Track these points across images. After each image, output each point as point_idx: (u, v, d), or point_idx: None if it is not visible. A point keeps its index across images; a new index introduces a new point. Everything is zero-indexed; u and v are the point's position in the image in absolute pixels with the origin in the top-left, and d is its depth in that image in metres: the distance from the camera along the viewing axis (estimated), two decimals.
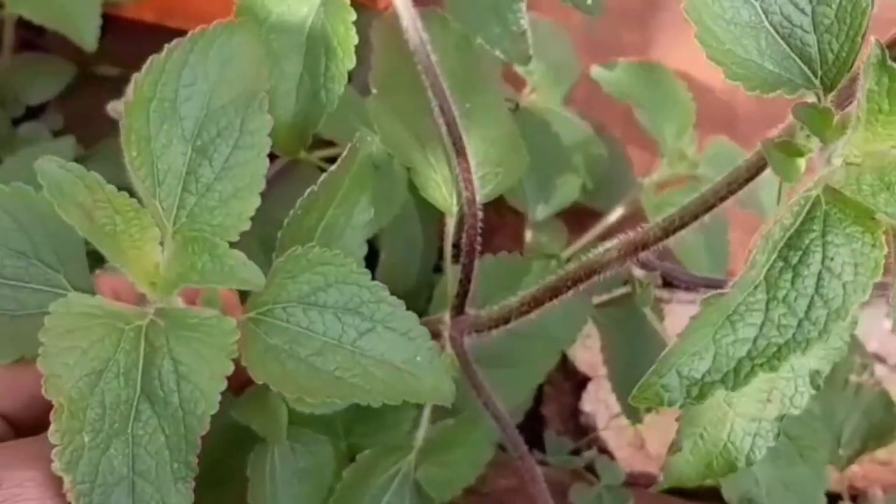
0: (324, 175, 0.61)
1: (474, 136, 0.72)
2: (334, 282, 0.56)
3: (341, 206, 0.62)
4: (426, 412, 0.75)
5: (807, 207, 0.43)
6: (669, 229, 0.62)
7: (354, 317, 0.56)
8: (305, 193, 0.61)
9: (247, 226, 0.55)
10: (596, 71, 0.91)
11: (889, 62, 0.41)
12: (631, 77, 0.90)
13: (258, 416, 0.64)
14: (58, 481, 0.49)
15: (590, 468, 1.00)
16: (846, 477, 0.91)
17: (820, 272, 0.42)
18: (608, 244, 0.65)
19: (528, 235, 0.93)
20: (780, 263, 0.43)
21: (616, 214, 0.95)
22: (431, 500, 0.74)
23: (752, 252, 0.43)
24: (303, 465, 0.67)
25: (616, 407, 0.95)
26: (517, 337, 0.83)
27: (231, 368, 0.52)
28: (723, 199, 0.59)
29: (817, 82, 0.46)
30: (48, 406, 0.53)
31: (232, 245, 0.54)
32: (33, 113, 1.07)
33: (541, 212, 0.92)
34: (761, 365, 0.42)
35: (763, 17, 0.47)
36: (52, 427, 0.49)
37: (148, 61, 0.56)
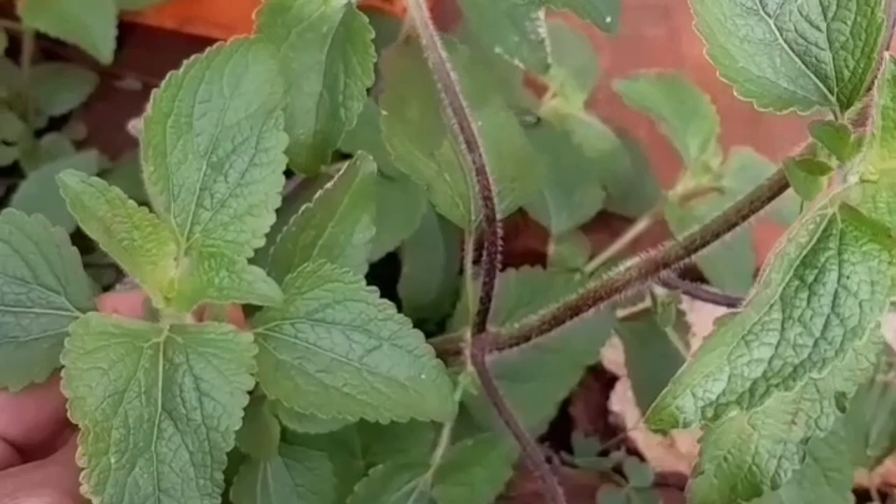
0: (320, 192, 0.61)
1: (489, 153, 0.71)
2: (343, 299, 0.56)
3: (341, 224, 0.62)
4: (446, 431, 0.75)
5: (822, 226, 0.43)
6: (691, 248, 0.61)
7: (362, 334, 0.56)
8: (300, 210, 0.61)
9: (261, 242, 0.56)
10: (617, 84, 0.91)
11: None
12: (653, 90, 0.89)
13: (244, 433, 0.64)
14: None
15: (618, 469, 0.99)
16: (878, 475, 0.89)
17: (836, 291, 0.42)
18: (629, 262, 0.65)
19: (551, 249, 0.92)
20: (796, 282, 0.42)
21: (641, 226, 0.95)
22: None
23: (765, 271, 0.43)
24: (300, 480, 0.67)
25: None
26: (540, 351, 0.82)
27: (252, 384, 0.52)
28: (745, 217, 0.58)
29: (833, 100, 0.46)
30: (54, 431, 0.54)
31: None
32: (56, 123, 1.08)
33: (563, 225, 0.92)
34: (777, 385, 0.41)
35: (777, 34, 0.46)
36: (79, 450, 0.50)
37: (167, 77, 0.56)
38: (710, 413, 0.42)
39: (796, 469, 0.58)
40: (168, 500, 0.50)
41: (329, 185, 0.61)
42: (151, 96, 0.56)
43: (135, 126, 0.85)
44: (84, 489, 0.49)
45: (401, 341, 0.57)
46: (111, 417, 0.50)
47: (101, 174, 0.95)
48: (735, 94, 0.44)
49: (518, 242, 0.99)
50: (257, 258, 0.57)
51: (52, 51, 1.08)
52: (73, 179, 0.53)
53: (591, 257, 0.95)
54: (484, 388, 0.74)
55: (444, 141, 0.72)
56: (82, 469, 0.49)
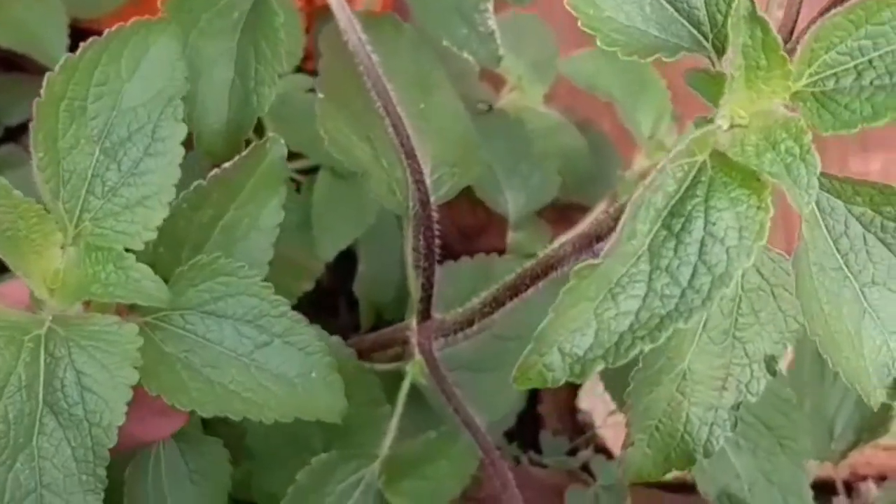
0: (215, 171, 0.59)
1: (429, 137, 0.70)
2: (236, 293, 0.55)
3: (245, 206, 0.60)
4: (394, 420, 0.73)
5: (692, 174, 0.41)
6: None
7: (253, 329, 0.55)
8: (192, 186, 0.59)
9: (152, 235, 0.54)
10: (563, 64, 0.89)
11: (760, 13, 0.39)
12: (598, 67, 0.88)
13: None
14: None
15: (587, 468, 0.97)
16: (846, 465, 0.87)
17: (703, 238, 0.40)
18: (562, 239, 0.64)
19: (510, 236, 0.91)
20: (664, 232, 0.41)
21: (599, 209, 0.93)
22: None
23: (627, 221, 0.41)
24: (194, 466, 0.65)
25: (613, 403, 0.92)
26: (503, 339, 0.81)
27: (136, 378, 0.51)
28: None
29: (709, 46, 0.44)
30: None
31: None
32: (14, 133, 1.06)
33: (520, 212, 0.90)
34: (642, 338, 0.40)
35: None
36: None
37: (62, 60, 0.55)
38: (577, 369, 0.41)
39: (729, 436, 0.57)
40: (50, 496, 0.49)
41: (227, 164, 0.59)
42: (45, 79, 0.54)
43: None
44: None
45: (293, 338, 0.56)
46: None
47: None
48: (597, 43, 0.43)
49: (482, 240, 0.98)
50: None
51: (10, 60, 1.07)
52: None
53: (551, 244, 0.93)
54: (432, 375, 0.73)
55: (381, 124, 0.71)
56: None
